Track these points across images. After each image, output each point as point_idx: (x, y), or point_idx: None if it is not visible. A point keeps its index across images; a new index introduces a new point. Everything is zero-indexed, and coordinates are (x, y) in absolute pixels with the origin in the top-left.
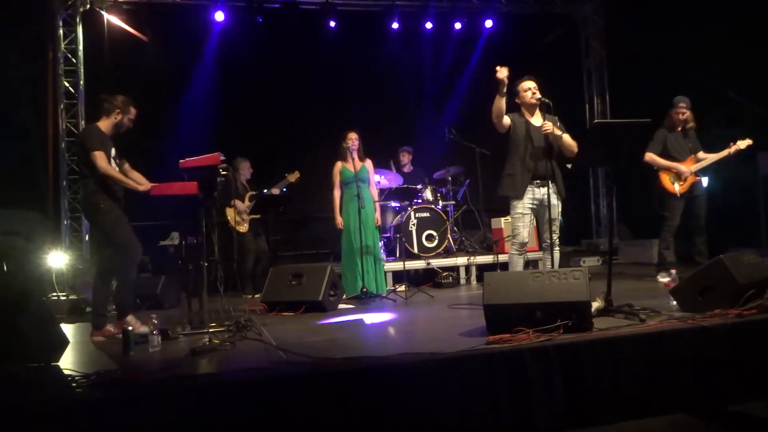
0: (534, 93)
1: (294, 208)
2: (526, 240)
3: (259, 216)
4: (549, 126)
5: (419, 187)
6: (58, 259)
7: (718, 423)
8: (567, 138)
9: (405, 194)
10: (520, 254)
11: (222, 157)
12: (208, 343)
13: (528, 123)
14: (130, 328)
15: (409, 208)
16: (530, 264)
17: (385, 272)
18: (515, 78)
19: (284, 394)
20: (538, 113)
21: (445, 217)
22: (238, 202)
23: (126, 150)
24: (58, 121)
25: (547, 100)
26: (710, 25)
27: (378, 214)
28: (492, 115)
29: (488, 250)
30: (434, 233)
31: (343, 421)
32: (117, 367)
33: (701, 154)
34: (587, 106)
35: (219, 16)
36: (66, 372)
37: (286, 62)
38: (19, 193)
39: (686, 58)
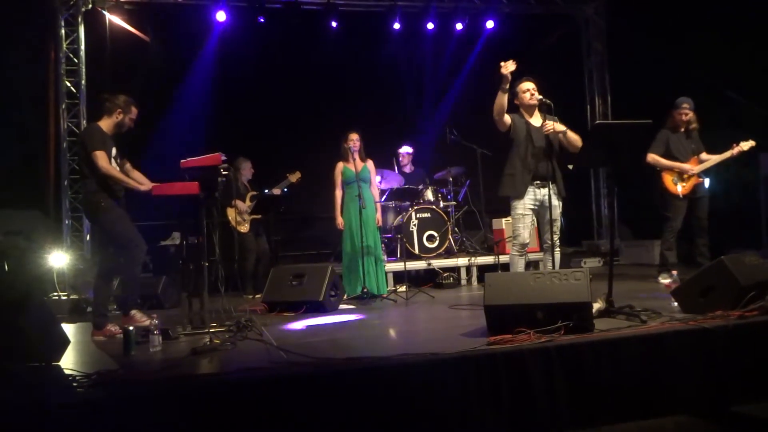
0: (533, 94)
1: (295, 209)
2: (527, 241)
3: (260, 216)
4: (550, 125)
5: (420, 187)
6: (59, 259)
7: (719, 424)
8: (571, 133)
9: (406, 195)
10: (521, 255)
11: (223, 157)
12: (208, 343)
13: (528, 123)
14: (137, 324)
15: (410, 209)
16: (531, 265)
17: (386, 272)
18: (515, 79)
19: (285, 395)
20: (537, 114)
21: (446, 218)
22: (239, 202)
23: (127, 149)
24: (60, 121)
25: (548, 101)
26: (712, 26)
27: (379, 215)
28: (493, 112)
29: (489, 251)
30: (435, 234)
31: (343, 422)
32: (118, 366)
33: (704, 156)
34: (588, 106)
35: (220, 16)
36: (67, 372)
37: (288, 62)
38: (20, 192)
39: (688, 59)
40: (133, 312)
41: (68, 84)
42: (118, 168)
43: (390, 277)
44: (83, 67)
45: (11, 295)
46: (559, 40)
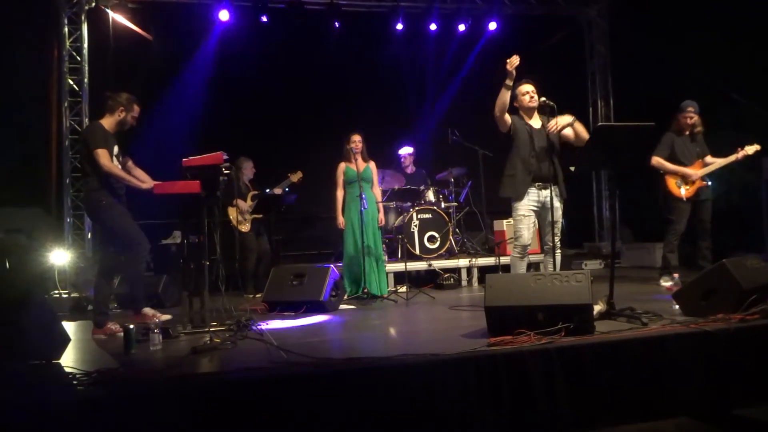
0: (532, 97)
1: (296, 208)
2: (529, 242)
3: (261, 215)
4: (553, 124)
5: (421, 188)
6: (60, 257)
7: (720, 427)
8: (579, 124)
9: (407, 195)
10: (522, 257)
11: (225, 156)
12: (209, 342)
13: (528, 125)
14: (153, 320)
15: (411, 209)
16: (532, 266)
17: (387, 273)
18: (516, 80)
19: (285, 394)
20: (536, 116)
21: (447, 219)
22: (240, 202)
23: (129, 148)
24: (62, 119)
25: (551, 103)
26: (715, 29)
27: (381, 215)
28: (495, 110)
29: (490, 252)
30: (436, 234)
31: (343, 422)
32: (118, 365)
33: (709, 159)
34: (591, 108)
35: (224, 15)
36: (67, 370)
37: (290, 62)
38: (22, 190)
39: (691, 61)
40: (146, 310)
41: (71, 82)
42: (119, 166)
43: (391, 277)
44: (86, 65)
45: (12, 292)
46: (562, 41)
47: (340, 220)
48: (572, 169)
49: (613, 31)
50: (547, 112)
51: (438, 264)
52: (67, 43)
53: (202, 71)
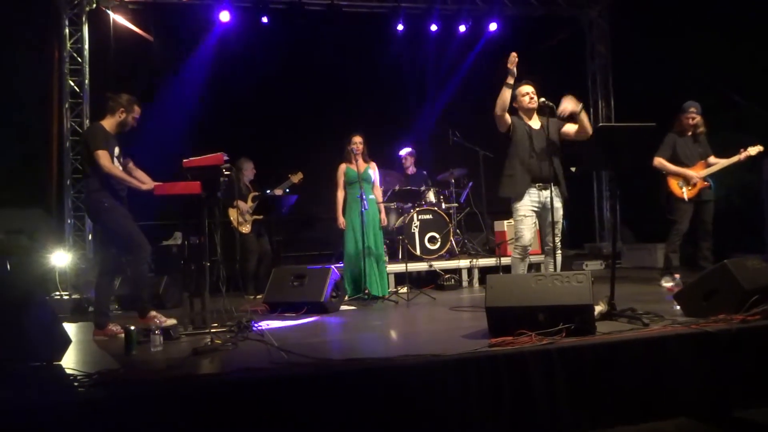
0: (532, 98)
1: (297, 209)
2: (530, 243)
3: (261, 216)
4: (564, 107)
5: (422, 189)
6: (61, 258)
7: (721, 428)
8: (585, 115)
9: (408, 196)
10: (522, 258)
11: (225, 157)
12: (210, 343)
13: (528, 126)
14: (161, 323)
15: (411, 210)
16: (532, 267)
17: (387, 274)
18: (516, 81)
19: (286, 395)
20: (536, 117)
21: (448, 220)
22: (240, 203)
23: (130, 149)
24: (63, 120)
25: (550, 103)
26: (715, 29)
27: (383, 215)
28: (495, 108)
29: (491, 253)
30: (437, 235)
31: (344, 422)
32: (119, 366)
33: (712, 159)
34: (592, 109)
35: (224, 16)
36: (68, 371)
37: (290, 62)
38: (23, 191)
39: (692, 62)
40: (153, 313)
41: (72, 83)
42: (120, 167)
43: (391, 278)
44: (87, 66)
45: (13, 294)
46: (563, 42)
47: (341, 220)
48: (573, 169)
49: (613, 31)
50: (546, 113)
51: (439, 265)
52: (68, 44)
53: (203, 72)
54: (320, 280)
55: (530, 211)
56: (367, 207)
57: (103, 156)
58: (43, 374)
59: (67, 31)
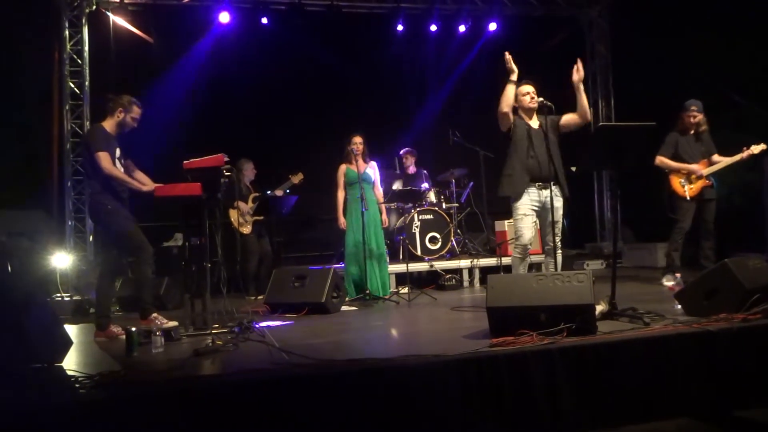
0: (533, 97)
1: (297, 210)
2: (530, 242)
3: (262, 217)
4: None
5: (423, 189)
6: (62, 260)
7: (722, 428)
8: (583, 94)
9: (408, 196)
10: (522, 257)
11: (226, 158)
12: (211, 344)
13: (528, 125)
14: (162, 325)
15: (412, 210)
16: (533, 267)
17: (389, 274)
18: (518, 80)
19: (287, 396)
20: (536, 117)
21: (449, 220)
22: (241, 204)
23: (130, 150)
24: (63, 122)
25: (549, 103)
26: (715, 29)
27: (384, 215)
28: (501, 106)
29: (491, 253)
30: (437, 235)
31: (345, 423)
32: (120, 368)
33: (715, 157)
34: (592, 109)
35: (224, 17)
36: (69, 373)
37: (291, 63)
38: (23, 193)
39: (692, 62)
40: (154, 315)
41: (72, 85)
42: (122, 169)
43: (392, 278)
44: (87, 68)
45: (14, 295)
46: (562, 42)
47: (341, 220)
48: (573, 169)
49: (613, 31)
50: (545, 113)
51: (439, 265)
52: (68, 46)
53: (203, 73)
54: (321, 281)
55: (530, 210)
56: (367, 207)
57: (104, 158)
58: (44, 375)
59: (67, 32)
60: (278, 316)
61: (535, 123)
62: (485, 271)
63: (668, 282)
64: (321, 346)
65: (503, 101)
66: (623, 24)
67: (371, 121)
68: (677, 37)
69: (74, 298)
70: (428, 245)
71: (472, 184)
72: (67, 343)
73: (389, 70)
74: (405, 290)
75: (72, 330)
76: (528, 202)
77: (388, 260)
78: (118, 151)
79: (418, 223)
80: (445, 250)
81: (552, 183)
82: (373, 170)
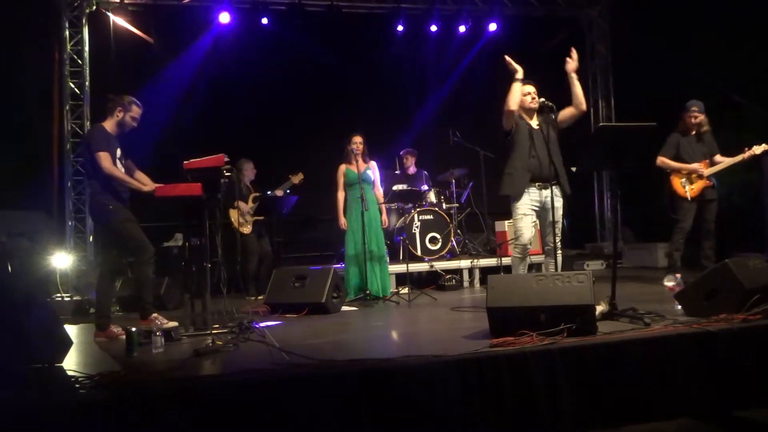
0: (534, 98)
1: (297, 210)
2: (529, 242)
3: (262, 217)
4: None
5: (423, 189)
6: (62, 260)
7: (722, 428)
8: (577, 82)
9: (408, 196)
10: (522, 257)
11: (226, 158)
12: (211, 344)
13: (529, 125)
14: (162, 325)
15: (412, 211)
16: (533, 267)
17: (389, 274)
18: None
19: (287, 396)
20: (536, 117)
21: (449, 220)
22: (241, 204)
23: (130, 150)
24: (64, 122)
25: (550, 104)
26: (715, 29)
27: (384, 216)
28: (508, 103)
29: (491, 253)
30: (438, 236)
31: (346, 423)
32: (120, 368)
33: (718, 158)
34: (592, 109)
35: (224, 17)
36: (70, 373)
37: (291, 63)
38: (23, 193)
39: (692, 62)
40: (154, 315)
41: (72, 85)
42: (123, 169)
43: (392, 278)
44: (87, 68)
45: (15, 296)
46: (563, 42)
47: (342, 220)
48: (573, 169)
49: (613, 31)
50: (546, 113)
51: (439, 265)
52: (68, 47)
53: (203, 73)
54: (321, 281)
55: (529, 210)
56: (367, 208)
57: (104, 158)
58: (45, 376)
59: (67, 33)
60: (278, 316)
61: (535, 123)
62: (485, 271)
63: (668, 282)
64: (321, 347)
65: (510, 99)
66: (623, 24)
67: (371, 121)
68: (677, 37)
69: (74, 298)
70: (428, 245)
71: (472, 184)
72: (67, 343)
73: (389, 70)
74: (405, 290)
75: (72, 330)
76: (528, 202)
77: (388, 260)
78: (118, 152)
79: (418, 224)
80: (445, 251)
81: (552, 183)
82: (372, 170)
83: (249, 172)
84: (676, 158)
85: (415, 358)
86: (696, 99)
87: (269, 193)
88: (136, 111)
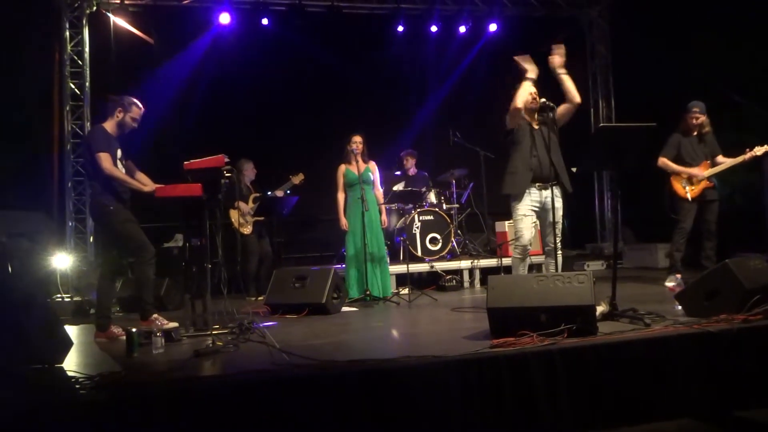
0: (535, 98)
1: (297, 210)
2: (529, 243)
3: (262, 218)
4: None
5: (423, 190)
6: (62, 261)
7: (723, 428)
8: (567, 78)
9: (409, 197)
10: (522, 258)
11: (226, 159)
12: (211, 345)
13: (530, 125)
14: (162, 326)
15: (413, 211)
16: (534, 268)
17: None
18: (517, 81)
19: (287, 396)
20: (536, 117)
21: (449, 220)
22: (241, 204)
23: (130, 151)
24: (64, 123)
25: (551, 103)
26: (715, 29)
27: (384, 216)
28: (516, 101)
29: (492, 254)
30: (438, 236)
31: (346, 424)
32: (121, 368)
33: (719, 159)
34: (592, 109)
35: (224, 18)
36: (70, 373)
37: (291, 64)
38: (24, 194)
39: (692, 62)
40: (155, 316)
41: (72, 86)
42: (123, 169)
43: (393, 279)
44: (87, 69)
45: (15, 296)
46: (563, 42)
47: (343, 221)
48: (573, 169)
49: (613, 31)
50: (546, 113)
51: (440, 266)
52: (69, 47)
53: (204, 74)
54: (321, 282)
55: (529, 211)
56: (367, 208)
57: (105, 158)
58: (45, 376)
59: (67, 33)
60: (278, 316)
61: (536, 123)
62: (486, 271)
63: (669, 282)
64: (321, 347)
65: (519, 97)
66: (623, 24)
67: (371, 122)
68: (677, 37)
69: (75, 298)
70: (429, 246)
71: (472, 184)
72: (68, 343)
73: (389, 70)
74: (405, 291)
75: (72, 331)
76: (528, 202)
77: (388, 261)
78: (119, 152)
79: (419, 224)
80: (446, 251)
81: (552, 183)
82: (372, 170)
83: (249, 172)
84: (677, 159)
85: (416, 358)
86: (697, 99)
87: (269, 193)
88: (136, 112)
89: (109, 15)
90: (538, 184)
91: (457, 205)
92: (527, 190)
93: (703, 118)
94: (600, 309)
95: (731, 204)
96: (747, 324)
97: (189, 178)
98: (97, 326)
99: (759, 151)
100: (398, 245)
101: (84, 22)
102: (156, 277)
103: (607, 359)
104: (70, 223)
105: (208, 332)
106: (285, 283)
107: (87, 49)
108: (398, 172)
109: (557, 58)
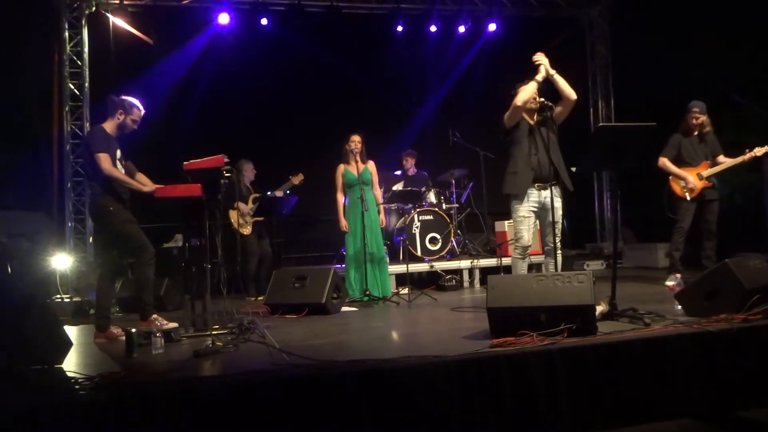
0: (534, 98)
1: (297, 211)
2: (529, 243)
3: (262, 218)
4: (540, 59)
5: (423, 189)
6: (62, 261)
7: (723, 428)
8: (560, 78)
9: (408, 197)
10: (522, 258)
11: (226, 159)
12: (211, 345)
13: (530, 124)
14: (162, 327)
15: (412, 211)
16: (533, 268)
17: (389, 275)
18: (517, 81)
19: (287, 397)
20: (536, 117)
21: (449, 220)
22: (241, 204)
23: (130, 151)
24: (63, 123)
25: (549, 103)
26: (715, 29)
27: (383, 216)
28: (518, 100)
29: (492, 254)
30: (438, 236)
31: (346, 424)
32: (120, 369)
33: (720, 158)
34: (591, 109)
35: (224, 18)
36: (69, 374)
37: (291, 64)
38: (24, 194)
39: (692, 62)
40: (154, 316)
41: (72, 86)
42: (123, 170)
43: (392, 279)
44: (87, 69)
45: (15, 297)
46: (563, 42)
47: (343, 222)
48: (573, 169)
49: (613, 31)
50: (546, 113)
51: (439, 265)
52: (68, 48)
53: (203, 74)
54: (321, 282)
55: (529, 212)
56: (367, 208)
57: (104, 159)
58: (45, 377)
59: (66, 34)
60: (278, 316)
61: (535, 123)
62: (485, 271)
63: (669, 282)
64: (321, 347)
65: (522, 96)
66: (623, 24)
67: (371, 121)
68: (677, 37)
69: (74, 299)
70: (428, 246)
71: (472, 184)
72: (67, 344)
73: (389, 70)
74: (405, 291)
75: (72, 331)
76: (528, 203)
77: (388, 261)
78: (118, 152)
79: (418, 224)
80: (446, 251)
81: (551, 183)
82: (371, 170)
83: (249, 172)
84: (677, 159)
85: (416, 358)
86: (696, 99)
87: (269, 193)
88: (137, 114)
89: (109, 15)
90: (537, 184)
91: (456, 205)
92: (527, 191)
93: (703, 118)
94: (600, 309)
95: (731, 204)
96: (747, 324)
97: (189, 178)
98: (97, 327)
99: (759, 151)
100: (398, 245)
101: (83, 22)
102: (156, 278)
103: (606, 359)
104: (70, 224)
105: (208, 332)
106: (285, 284)
107: (86, 49)
108: (398, 172)
109: (542, 69)
